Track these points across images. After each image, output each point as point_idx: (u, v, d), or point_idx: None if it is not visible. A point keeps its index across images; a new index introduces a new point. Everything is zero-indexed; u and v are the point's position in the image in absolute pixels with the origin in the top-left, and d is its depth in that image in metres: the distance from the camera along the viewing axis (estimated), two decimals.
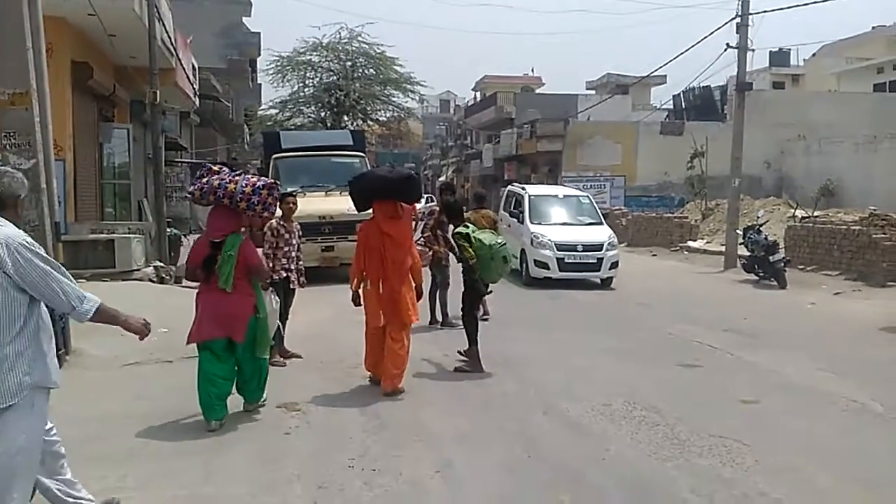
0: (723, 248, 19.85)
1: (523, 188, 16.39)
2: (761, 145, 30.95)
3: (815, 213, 21.03)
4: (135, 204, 17.26)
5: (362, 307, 7.11)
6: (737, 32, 18.27)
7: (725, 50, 18.52)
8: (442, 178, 54.85)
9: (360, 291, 7.12)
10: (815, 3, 17.40)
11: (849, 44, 45.64)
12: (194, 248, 6.12)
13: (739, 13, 18.20)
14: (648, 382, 7.24)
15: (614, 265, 14.34)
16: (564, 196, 16.27)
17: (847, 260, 16.02)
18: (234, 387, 6.10)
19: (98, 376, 7.46)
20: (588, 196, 16.74)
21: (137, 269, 13.08)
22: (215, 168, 6.18)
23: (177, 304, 9.09)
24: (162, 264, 13.88)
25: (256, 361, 6.08)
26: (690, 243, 22.91)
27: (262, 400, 6.33)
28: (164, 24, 14.89)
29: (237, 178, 5.98)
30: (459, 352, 8.02)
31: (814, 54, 48.38)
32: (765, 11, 18.14)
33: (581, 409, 6.31)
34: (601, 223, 15.38)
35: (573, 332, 9.98)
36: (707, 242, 23.04)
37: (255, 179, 6.05)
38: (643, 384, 7.14)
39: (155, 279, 13.29)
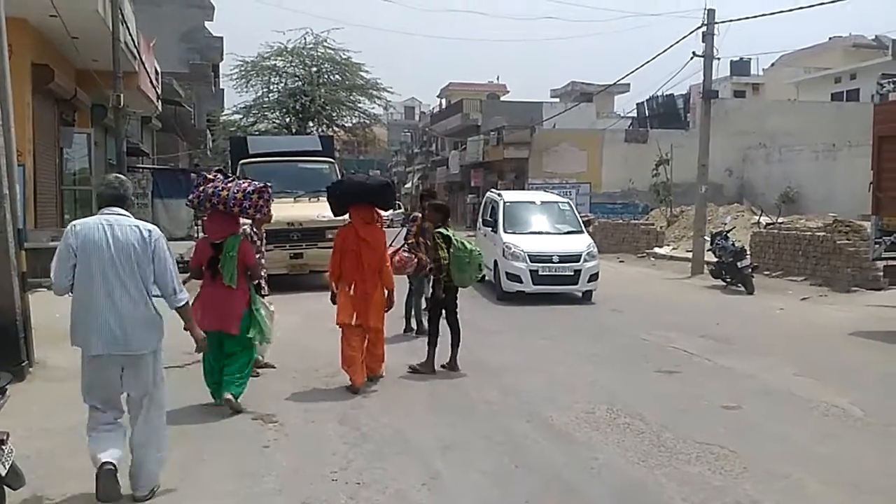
0: (689, 255, 20.04)
1: (500, 194, 15.44)
2: (723, 153, 31.40)
3: (780, 220, 21.34)
4: (95, 211, 16.84)
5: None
6: (703, 41, 18.46)
7: (692, 58, 18.71)
8: (408, 185, 54.75)
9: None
10: (777, 12, 17.77)
11: (807, 53, 46.70)
12: (197, 250, 6.59)
13: (706, 22, 18.41)
14: (629, 389, 7.19)
15: (594, 277, 13.25)
16: (542, 202, 15.33)
17: (812, 266, 16.27)
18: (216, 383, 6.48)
19: (65, 387, 7.12)
20: (568, 202, 15.77)
21: None
22: (210, 176, 6.58)
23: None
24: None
25: (246, 355, 6.47)
26: (657, 249, 23.10)
27: (239, 396, 6.44)
28: (127, 27, 14.55)
29: (229, 184, 6.43)
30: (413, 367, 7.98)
31: (773, 64, 49.42)
32: (730, 20, 18.37)
33: (565, 417, 6.23)
34: (581, 231, 14.35)
35: (549, 338, 9.92)
36: (673, 249, 23.25)
37: (245, 185, 6.48)
38: (624, 391, 7.10)
39: None
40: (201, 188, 6.40)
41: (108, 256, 4.43)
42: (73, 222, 4.65)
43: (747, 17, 18.87)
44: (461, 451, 5.46)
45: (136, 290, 4.49)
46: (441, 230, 7.94)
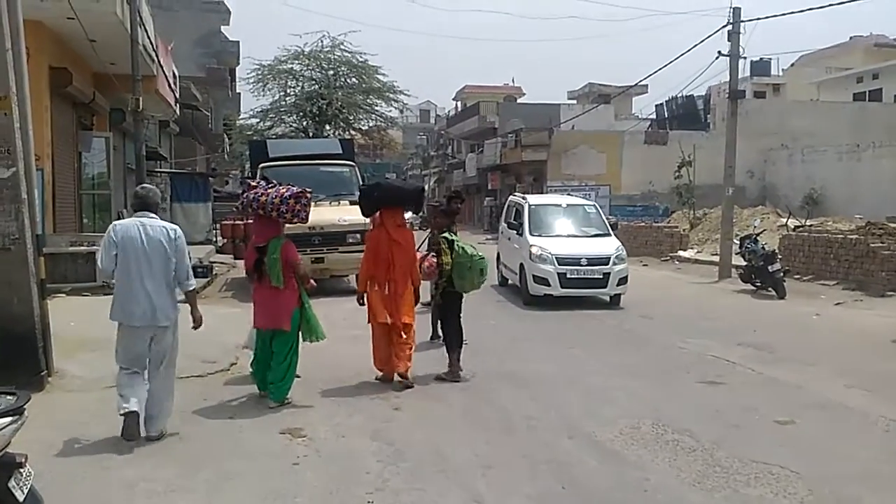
0: (714, 258, 19.64)
1: (524, 197, 15.16)
2: (744, 154, 30.69)
3: (809, 223, 20.86)
4: (114, 215, 16.64)
5: (365, 308, 7.57)
6: (728, 40, 18.05)
7: (717, 58, 18.31)
8: (424, 188, 54.48)
9: (366, 293, 7.58)
10: (806, 10, 17.23)
11: (828, 53, 46.10)
12: (246, 254, 7.04)
13: (731, 21, 18.01)
14: (673, 402, 6.85)
15: (623, 281, 12.95)
16: (568, 205, 15.01)
17: (844, 269, 15.83)
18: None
19: (83, 399, 6.92)
20: (594, 205, 15.52)
21: None
22: (253, 183, 7.06)
23: None
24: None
25: (290, 355, 6.74)
26: (681, 253, 22.68)
27: (287, 400, 6.72)
28: (145, 29, 14.37)
29: (269, 190, 6.80)
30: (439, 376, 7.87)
31: (792, 64, 48.81)
32: (757, 19, 17.94)
33: (609, 433, 5.90)
34: (608, 234, 14.04)
35: (581, 346, 9.58)
36: (698, 252, 22.82)
37: (283, 190, 6.78)
38: (668, 404, 6.75)
39: None
40: (245, 194, 6.93)
41: (142, 250, 5.65)
42: (114, 223, 6.00)
43: (774, 16, 18.52)
44: (503, 471, 5.14)
45: (163, 277, 5.72)
46: (446, 235, 8.07)
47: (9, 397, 3.65)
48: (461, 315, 8.08)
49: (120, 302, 5.69)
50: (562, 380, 7.78)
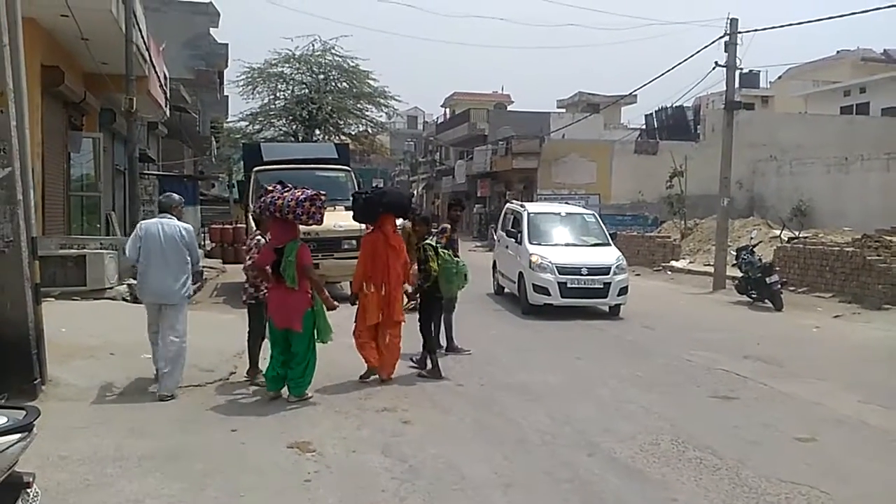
0: (707, 268, 19.57)
1: (522, 205, 15.00)
2: (733, 165, 30.59)
3: (804, 235, 20.84)
4: (103, 218, 16.29)
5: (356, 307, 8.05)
6: (725, 51, 18.03)
7: (714, 68, 18.29)
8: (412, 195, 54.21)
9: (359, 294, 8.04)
10: (802, 23, 17.27)
11: (815, 66, 46.41)
12: (262, 254, 7.25)
13: (728, 32, 17.99)
14: (689, 417, 6.69)
15: (623, 291, 12.80)
16: (567, 214, 14.89)
17: (840, 282, 15.80)
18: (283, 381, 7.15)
19: (80, 408, 6.68)
20: (594, 214, 15.41)
21: (110, 287, 12.20)
22: (269, 188, 7.29)
23: None
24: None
25: (306, 352, 7.00)
26: (674, 263, 22.61)
27: (307, 395, 7.04)
28: (140, 29, 14.08)
29: (285, 194, 7.01)
30: (413, 364, 8.44)
31: (780, 77, 49.12)
32: (754, 30, 17.96)
33: (628, 450, 5.72)
34: (608, 244, 13.93)
35: (586, 357, 9.42)
36: (690, 262, 22.76)
37: (298, 194, 6.97)
38: (684, 419, 6.59)
39: (128, 298, 12.40)
40: (262, 198, 7.22)
41: (161, 244, 7.10)
42: (140, 222, 7.59)
43: (772, 27, 18.49)
44: (524, 490, 4.94)
45: (177, 265, 7.15)
46: (429, 242, 8.44)
47: (16, 413, 3.42)
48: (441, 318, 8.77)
49: (141, 283, 7.33)
50: (572, 392, 7.62)
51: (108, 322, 10.35)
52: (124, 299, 12.29)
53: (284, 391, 7.15)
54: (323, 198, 7.08)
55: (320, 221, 7.20)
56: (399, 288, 8.05)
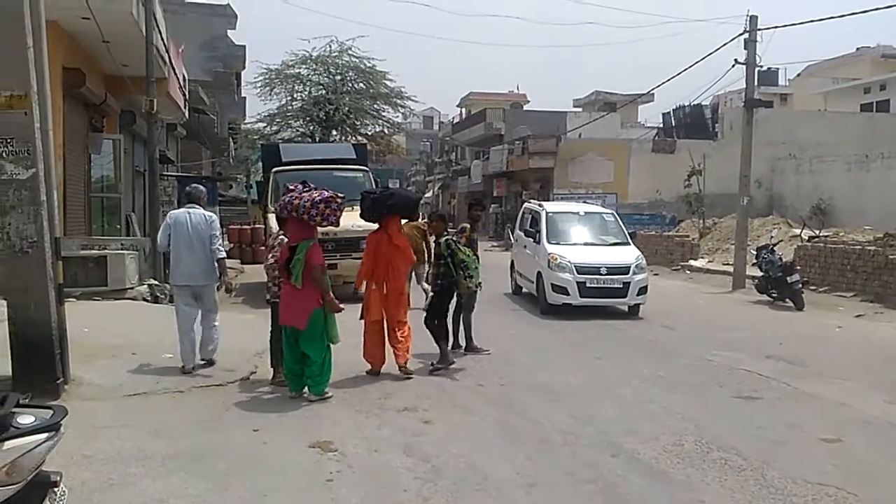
0: (726, 268, 19.43)
1: (540, 204, 14.91)
2: (752, 163, 30.64)
3: (824, 233, 20.64)
4: (123, 219, 16.42)
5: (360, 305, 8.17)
6: (745, 48, 17.89)
7: (733, 66, 18.14)
8: (428, 195, 54.26)
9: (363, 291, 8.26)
10: (823, 20, 17.09)
11: (834, 64, 45.99)
12: (281, 252, 7.25)
13: (748, 29, 17.84)
14: (713, 417, 6.63)
15: (643, 290, 12.69)
16: (586, 213, 14.80)
17: (861, 281, 15.64)
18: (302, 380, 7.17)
19: (103, 408, 6.71)
20: (613, 213, 15.27)
21: (131, 288, 12.32)
22: (290, 187, 7.26)
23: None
24: (156, 282, 13.09)
25: (319, 353, 6.98)
26: (692, 262, 22.47)
27: (326, 394, 7.06)
28: (159, 31, 14.19)
29: (303, 194, 7.00)
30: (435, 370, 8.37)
31: (799, 74, 48.70)
32: (774, 27, 17.77)
33: (652, 451, 5.67)
34: (628, 243, 13.85)
35: (606, 357, 9.37)
36: (709, 262, 22.61)
37: (315, 194, 6.96)
38: (708, 420, 6.53)
39: (149, 298, 12.53)
40: (282, 198, 7.21)
41: (189, 230, 7.86)
42: (169, 213, 8.43)
43: (792, 24, 18.27)
44: (548, 491, 4.92)
45: (202, 250, 7.89)
46: (451, 237, 8.65)
47: (44, 412, 3.44)
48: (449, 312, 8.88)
49: (173, 269, 8.02)
50: (593, 392, 7.57)
51: (129, 322, 10.43)
52: (145, 299, 12.40)
53: (305, 391, 7.16)
54: (339, 200, 7.06)
55: (336, 223, 7.21)
56: (402, 287, 8.18)
